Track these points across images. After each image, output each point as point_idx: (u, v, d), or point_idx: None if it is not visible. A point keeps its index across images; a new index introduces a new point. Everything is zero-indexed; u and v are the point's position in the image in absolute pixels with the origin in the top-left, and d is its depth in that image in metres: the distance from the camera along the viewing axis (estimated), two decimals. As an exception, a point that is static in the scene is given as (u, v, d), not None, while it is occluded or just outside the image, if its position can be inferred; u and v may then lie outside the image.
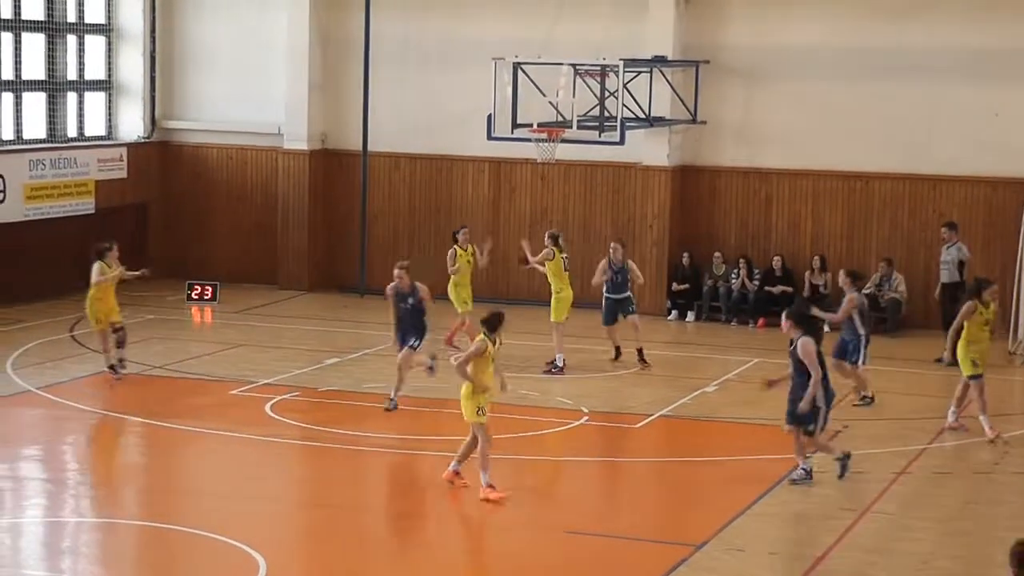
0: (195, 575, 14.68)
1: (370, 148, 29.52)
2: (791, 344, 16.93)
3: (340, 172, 30.26)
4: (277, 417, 20.69)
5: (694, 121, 26.70)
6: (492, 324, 16.06)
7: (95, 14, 30.19)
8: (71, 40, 29.58)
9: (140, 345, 22.79)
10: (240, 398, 21.63)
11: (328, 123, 30.46)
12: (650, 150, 26.93)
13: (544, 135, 24.23)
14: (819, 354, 16.56)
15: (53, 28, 29.13)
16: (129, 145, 30.58)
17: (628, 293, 23.57)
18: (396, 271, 20.66)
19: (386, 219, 29.95)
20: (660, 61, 25.95)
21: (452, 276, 23.83)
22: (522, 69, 24.04)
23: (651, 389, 22.48)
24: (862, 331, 19.92)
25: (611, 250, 23.67)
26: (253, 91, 30.57)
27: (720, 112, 27.11)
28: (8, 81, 27.94)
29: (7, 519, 16.28)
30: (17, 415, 20.75)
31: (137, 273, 22.61)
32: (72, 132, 29.89)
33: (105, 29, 30.62)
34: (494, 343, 16.18)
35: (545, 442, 19.13)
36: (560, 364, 22.36)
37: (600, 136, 24.33)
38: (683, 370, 23.80)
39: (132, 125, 30.99)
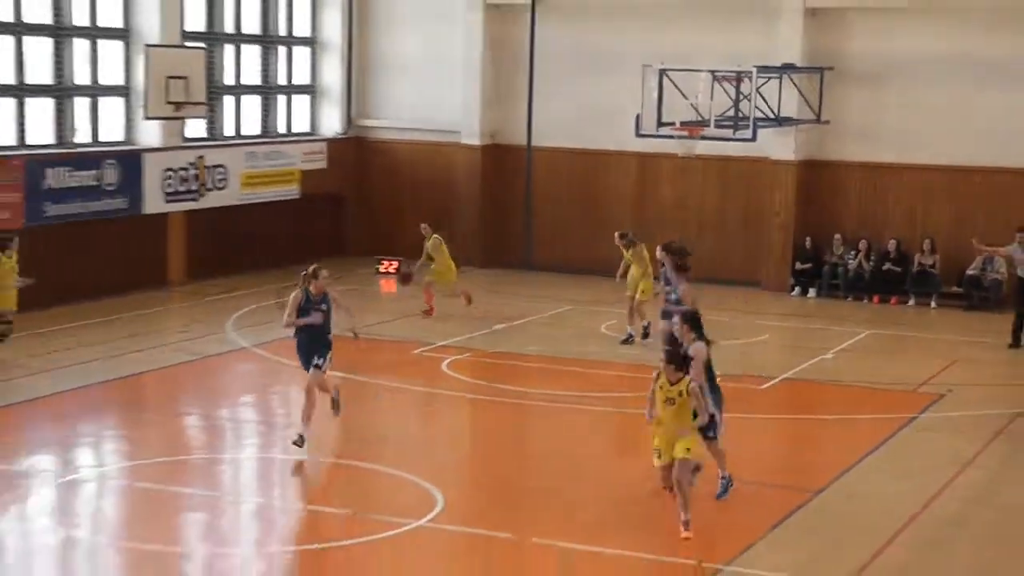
0: (381, 504, 14.74)
1: (534, 143, 29.28)
2: (683, 345, 14.49)
3: (508, 164, 30.04)
4: (452, 374, 20.65)
5: (819, 121, 26.07)
6: (677, 361, 13.02)
7: (302, 28, 30.35)
8: (282, 51, 29.75)
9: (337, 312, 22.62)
10: (421, 357, 21.67)
11: (498, 121, 30.21)
12: (778, 146, 26.43)
13: (685, 133, 23.93)
14: (708, 361, 14.26)
15: (268, 41, 29.44)
16: (329, 140, 30.71)
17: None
18: (312, 269, 16.18)
19: (547, 205, 29.75)
20: (789, 68, 25.36)
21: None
22: (667, 75, 23.70)
23: (775, 355, 22.18)
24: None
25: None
26: (434, 94, 30.46)
27: (842, 112, 26.52)
28: (230, 86, 28.34)
29: (229, 454, 16.55)
30: (235, 368, 21.01)
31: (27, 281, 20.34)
32: (282, 129, 30.04)
33: (310, 41, 30.73)
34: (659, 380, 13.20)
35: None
36: (630, 335, 21.56)
37: (734, 134, 23.85)
38: (804, 339, 23.47)
39: (331, 123, 31.08)
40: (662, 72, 24.13)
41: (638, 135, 24.92)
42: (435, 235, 24.38)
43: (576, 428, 17.98)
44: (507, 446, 17.84)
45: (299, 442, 15.11)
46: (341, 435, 18.19)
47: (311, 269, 16.05)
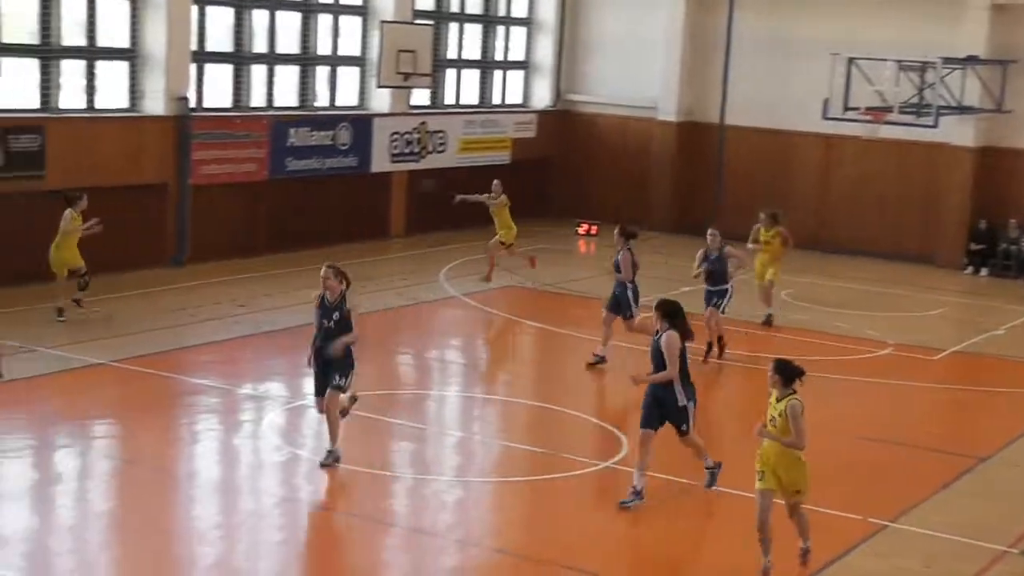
0: (568, 444, 14.79)
1: (727, 121, 28.93)
2: (656, 334, 12.87)
3: (701, 140, 29.49)
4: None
5: (999, 110, 25.02)
6: (786, 374, 10.67)
7: (520, 10, 30.40)
8: (500, 30, 29.84)
9: (534, 270, 22.85)
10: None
11: (693, 100, 29.77)
12: (958, 132, 25.52)
13: (870, 117, 23.32)
14: (683, 351, 12.43)
15: (488, 20, 29.55)
16: (539, 112, 30.70)
17: (726, 286, 17.94)
18: (323, 272, 12.54)
19: (737, 179, 29.15)
20: (973, 60, 24.30)
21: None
22: (855, 63, 23.11)
23: (948, 329, 21.51)
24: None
25: (709, 237, 18.16)
26: (635, 72, 30.09)
27: (1023, 103, 25.60)
28: (453, 60, 28.46)
29: (435, 391, 16.75)
30: (445, 314, 21.20)
31: (94, 225, 17.94)
32: (496, 100, 30.11)
33: (527, 21, 30.70)
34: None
35: (850, 365, 18.29)
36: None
37: (917, 120, 23.15)
38: (975, 315, 22.73)
39: (542, 96, 31.03)
40: (850, 60, 23.54)
41: (825, 118, 24.43)
42: (503, 194, 22.22)
43: (747, 389, 17.53)
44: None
45: (328, 461, 12.24)
46: (536, 378, 18.27)
47: (329, 269, 12.58)
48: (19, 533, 11.28)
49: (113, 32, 21.32)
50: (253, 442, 14.21)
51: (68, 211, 17.49)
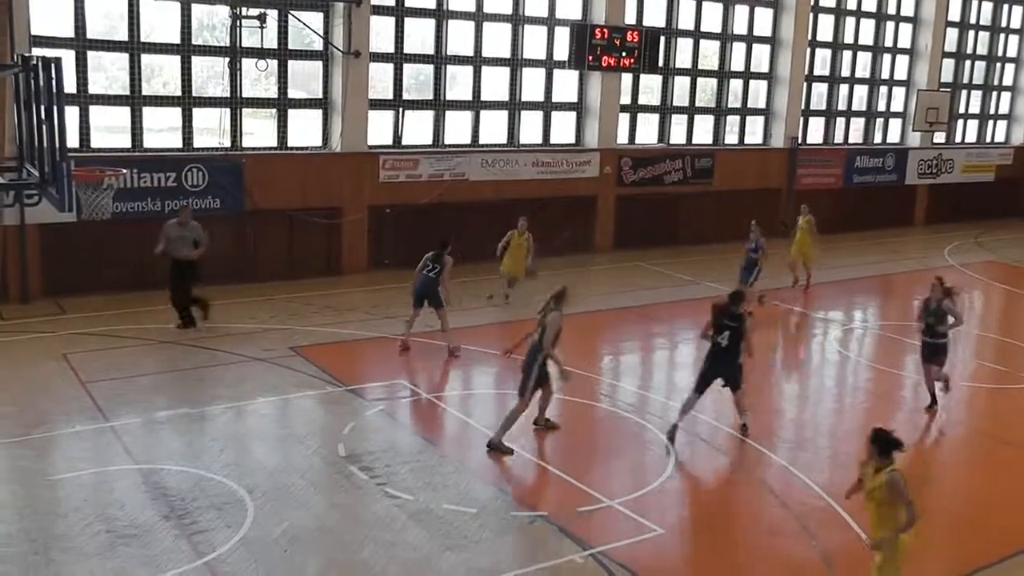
0: None
1: None
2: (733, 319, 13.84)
3: None
4: None
5: None
6: (880, 443, 9.18)
7: (1007, 79, 39.05)
8: (1002, 95, 38.05)
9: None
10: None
11: None
12: None
13: None
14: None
15: (989, 88, 37.26)
16: (1016, 148, 38.15)
17: (943, 340, 15.86)
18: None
19: None
20: None
21: None
22: None
23: None
24: None
25: (931, 288, 16.06)
26: None
27: None
28: (961, 113, 36.07)
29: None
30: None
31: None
32: (987, 139, 38.47)
33: (1011, 88, 38.59)
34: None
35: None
36: None
37: None
38: None
39: (1018, 136, 38.83)
40: None
41: None
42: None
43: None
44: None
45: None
46: (996, 320, 22.21)
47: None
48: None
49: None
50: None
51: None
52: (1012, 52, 39.88)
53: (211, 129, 23.11)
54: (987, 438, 15.59)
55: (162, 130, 22.77)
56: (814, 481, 13.48)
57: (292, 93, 24.07)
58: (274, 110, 24.03)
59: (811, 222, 23.83)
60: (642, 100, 30.53)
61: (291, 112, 24.17)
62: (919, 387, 16.94)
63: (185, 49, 22.83)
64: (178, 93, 22.88)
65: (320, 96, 24.62)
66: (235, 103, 23.37)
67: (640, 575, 10.89)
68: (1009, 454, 14.87)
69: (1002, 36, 39.32)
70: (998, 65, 39.73)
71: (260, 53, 23.27)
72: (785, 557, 11.53)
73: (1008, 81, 40.27)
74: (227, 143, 23.26)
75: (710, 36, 31.66)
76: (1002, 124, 40.49)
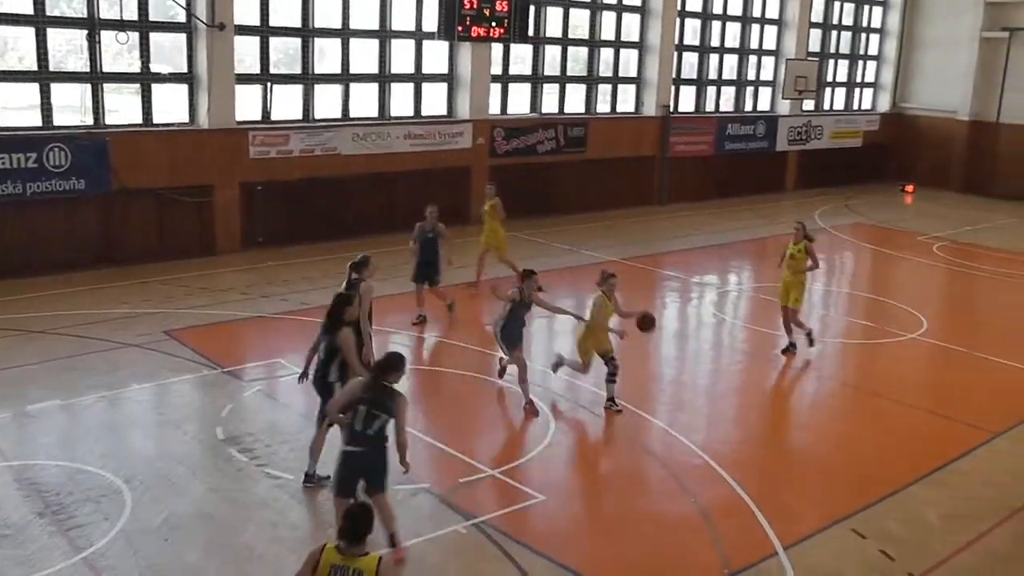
0: (887, 324, 18.93)
1: (1001, 120, 35.95)
2: None
3: (984, 134, 36.47)
4: (938, 254, 25.91)
5: None
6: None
7: (873, 49, 39.63)
8: (860, 64, 38.73)
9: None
10: (920, 241, 27.53)
11: (979, 107, 36.84)
12: None
13: None
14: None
15: (854, 57, 38.22)
16: (881, 114, 39.54)
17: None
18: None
19: (1013, 163, 36.50)
20: None
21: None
22: None
23: None
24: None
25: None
26: (943, 89, 37.49)
27: None
28: (829, 82, 37.38)
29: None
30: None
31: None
32: (855, 106, 39.48)
33: (876, 57, 40.02)
34: None
35: None
36: None
37: None
38: None
39: (884, 104, 39.94)
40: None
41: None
42: (496, 197, 21.03)
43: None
44: (969, 298, 22.26)
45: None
46: (865, 279, 23.16)
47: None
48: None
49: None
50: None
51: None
52: (876, 23, 41.08)
53: (72, 106, 22.40)
54: (856, 390, 16.36)
55: (21, 108, 22.00)
56: (692, 441, 13.95)
57: (156, 67, 23.50)
58: (138, 85, 23.36)
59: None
60: (513, 70, 30.55)
61: (156, 88, 23.57)
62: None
63: (40, 20, 21.94)
64: (35, 68, 22.03)
65: (186, 70, 23.98)
66: (96, 78, 22.69)
67: (523, 542, 11.03)
68: (878, 404, 15.64)
69: (867, 7, 40.59)
70: (864, 35, 40.90)
71: (120, 25, 22.60)
72: (665, 514, 11.90)
73: (873, 51, 41.61)
74: (90, 120, 22.64)
75: (580, 5, 32.04)
76: (868, 92, 41.99)
